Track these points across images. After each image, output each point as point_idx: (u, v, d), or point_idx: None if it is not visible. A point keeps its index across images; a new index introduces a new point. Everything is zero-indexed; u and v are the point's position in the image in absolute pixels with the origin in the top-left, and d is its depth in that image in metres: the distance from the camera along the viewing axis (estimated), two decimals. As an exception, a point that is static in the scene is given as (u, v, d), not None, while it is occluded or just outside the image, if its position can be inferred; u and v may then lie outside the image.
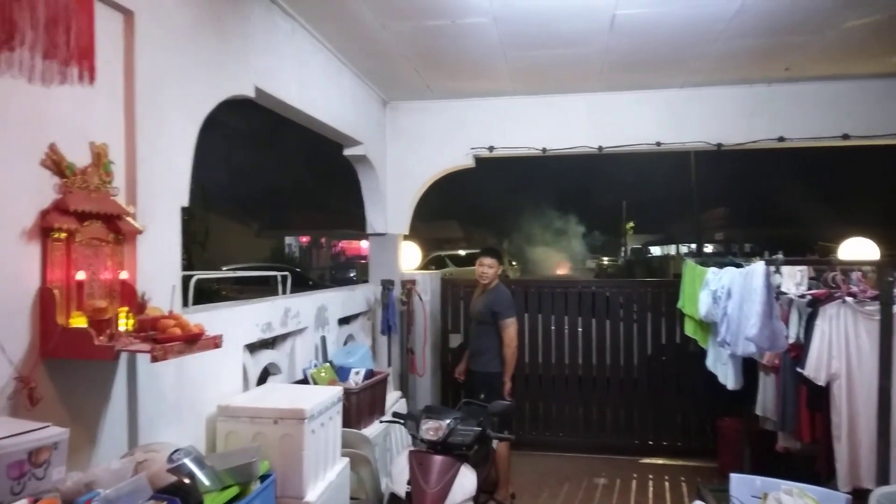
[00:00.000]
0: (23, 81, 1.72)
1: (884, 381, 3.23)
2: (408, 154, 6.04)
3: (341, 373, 4.21)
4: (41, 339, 2.00)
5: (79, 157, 2.16)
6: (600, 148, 5.70)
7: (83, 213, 2.11)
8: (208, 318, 2.73)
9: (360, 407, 3.93)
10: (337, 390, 3.38)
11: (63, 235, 2.05)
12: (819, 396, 3.69)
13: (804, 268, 4.15)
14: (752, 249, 22.43)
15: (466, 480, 3.23)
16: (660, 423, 5.95)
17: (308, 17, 3.99)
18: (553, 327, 6.16)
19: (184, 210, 2.79)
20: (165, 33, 2.64)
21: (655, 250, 40.70)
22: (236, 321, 3.35)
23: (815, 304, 3.75)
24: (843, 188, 24.86)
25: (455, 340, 6.26)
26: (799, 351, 3.80)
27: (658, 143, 5.61)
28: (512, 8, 3.86)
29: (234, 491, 2.37)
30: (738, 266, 4.24)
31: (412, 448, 3.44)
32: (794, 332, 3.88)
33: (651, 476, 5.40)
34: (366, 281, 6.15)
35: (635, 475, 5.41)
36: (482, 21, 4.05)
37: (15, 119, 1.93)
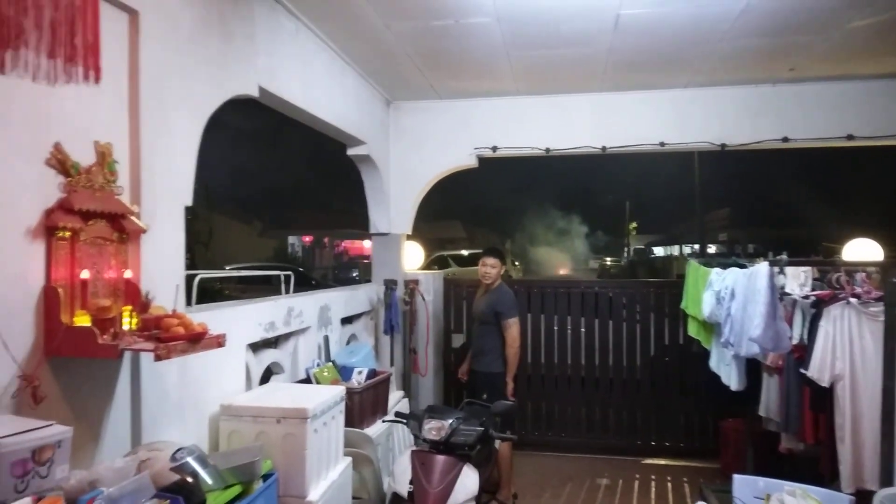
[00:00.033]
0: (27, 80, 1.72)
1: (888, 383, 3.21)
2: (411, 154, 6.04)
3: (344, 372, 4.21)
4: (45, 337, 2.01)
5: (83, 157, 2.17)
6: (604, 148, 5.70)
7: (87, 212, 2.12)
8: (212, 318, 2.73)
9: (363, 406, 3.93)
10: (339, 390, 3.38)
11: (67, 234, 2.06)
12: (823, 397, 3.68)
13: (808, 269, 4.14)
14: (756, 250, 22.43)
15: (469, 480, 3.23)
16: (662, 424, 5.93)
17: (312, 16, 4.00)
18: (556, 327, 6.15)
19: (187, 209, 2.80)
20: (170, 33, 2.65)
21: (658, 251, 40.69)
22: (239, 320, 3.36)
23: (818, 305, 3.74)
24: (847, 189, 24.82)
25: (458, 340, 6.26)
26: (802, 352, 3.79)
27: (662, 144, 5.60)
28: (515, 8, 3.86)
29: (236, 490, 2.37)
30: (742, 267, 4.22)
31: (414, 448, 3.44)
32: (797, 333, 3.87)
33: (653, 477, 5.39)
34: (369, 281, 6.16)
35: (638, 476, 5.41)
36: (486, 21, 4.05)
37: (20, 118, 1.94)
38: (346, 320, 5.05)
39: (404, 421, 3.60)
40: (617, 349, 6.04)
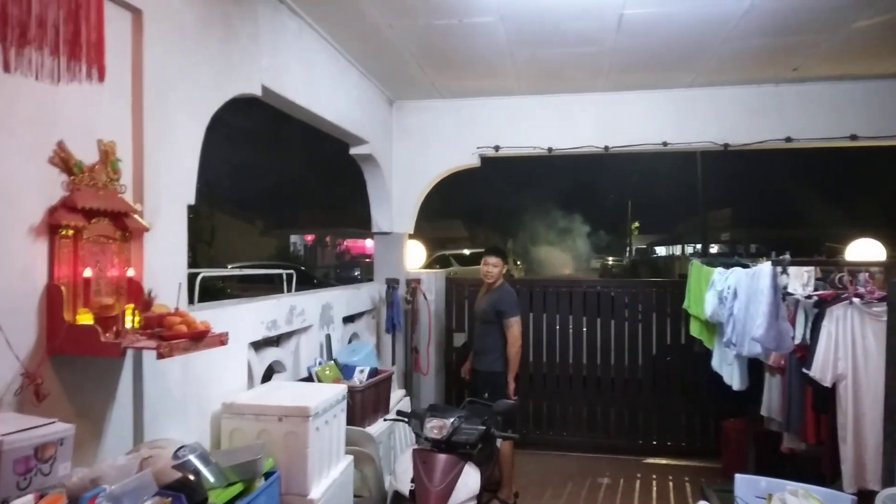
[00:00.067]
0: (32, 79, 1.73)
1: (890, 382, 3.20)
2: (413, 153, 6.04)
3: (346, 371, 4.22)
4: (48, 335, 2.01)
5: (87, 155, 2.17)
6: (606, 148, 5.69)
7: (91, 210, 2.12)
8: (214, 316, 2.74)
9: (365, 405, 3.93)
10: (341, 388, 3.39)
11: (70, 232, 2.07)
12: (825, 397, 3.67)
13: (811, 268, 4.13)
14: (758, 250, 22.40)
15: (470, 479, 3.23)
16: (664, 424, 5.93)
17: (315, 16, 4.00)
18: (558, 327, 6.15)
19: (190, 208, 2.80)
20: (173, 32, 2.65)
21: (661, 250, 40.65)
22: (241, 319, 3.36)
23: (821, 305, 3.73)
24: (850, 189, 24.77)
25: (459, 339, 6.26)
26: (805, 352, 3.78)
27: (664, 143, 5.59)
28: (519, 7, 3.85)
29: (238, 488, 2.38)
30: (745, 266, 4.22)
31: (416, 446, 3.44)
32: (800, 332, 3.87)
33: (655, 476, 5.38)
34: (370, 279, 6.16)
35: (639, 475, 5.40)
36: (489, 20, 4.05)
37: (24, 116, 1.95)
38: (348, 319, 5.05)
39: (406, 420, 3.60)
40: (619, 349, 6.04)
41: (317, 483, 2.95)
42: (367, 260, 24.14)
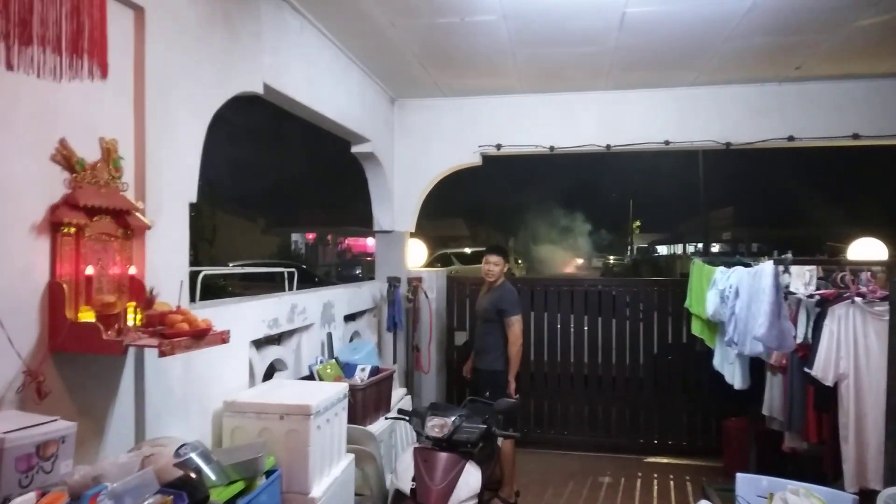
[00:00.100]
0: (34, 76, 1.73)
1: (892, 382, 3.19)
2: (415, 151, 6.04)
3: (347, 369, 4.22)
4: (50, 333, 2.01)
5: (89, 153, 2.17)
6: (608, 146, 5.68)
7: (93, 208, 2.12)
8: (215, 314, 2.74)
9: (366, 403, 3.93)
10: (342, 387, 3.39)
11: (72, 230, 2.07)
12: (826, 397, 3.67)
13: (813, 268, 4.13)
14: (760, 249, 22.37)
15: (471, 477, 3.23)
16: (665, 423, 5.93)
17: (317, 14, 4.00)
18: (559, 326, 6.15)
19: (191, 206, 2.80)
20: (175, 30, 2.65)
21: (662, 249, 40.63)
22: (243, 317, 3.36)
23: (823, 305, 3.73)
24: (852, 188, 24.73)
25: (460, 338, 6.26)
26: (807, 351, 3.78)
27: (666, 142, 5.59)
28: (521, 6, 3.85)
29: (239, 486, 2.38)
30: (747, 266, 4.22)
31: (417, 445, 3.44)
32: (801, 332, 3.87)
33: (656, 475, 5.38)
34: (372, 278, 6.16)
35: (640, 474, 5.40)
36: (491, 19, 4.04)
37: (26, 114, 1.95)
38: (350, 317, 5.05)
39: (407, 418, 3.61)
40: (620, 347, 6.04)
41: (318, 481, 2.95)
42: (369, 258, 24.15)
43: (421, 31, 4.28)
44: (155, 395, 2.54)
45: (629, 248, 38.68)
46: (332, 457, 3.17)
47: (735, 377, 4.42)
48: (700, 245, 26.05)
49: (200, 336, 2.23)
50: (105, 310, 2.13)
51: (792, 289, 4.02)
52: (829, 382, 3.59)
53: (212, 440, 2.97)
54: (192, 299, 3.16)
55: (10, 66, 1.67)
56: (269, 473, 2.61)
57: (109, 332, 2.05)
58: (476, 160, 5.98)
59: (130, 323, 2.18)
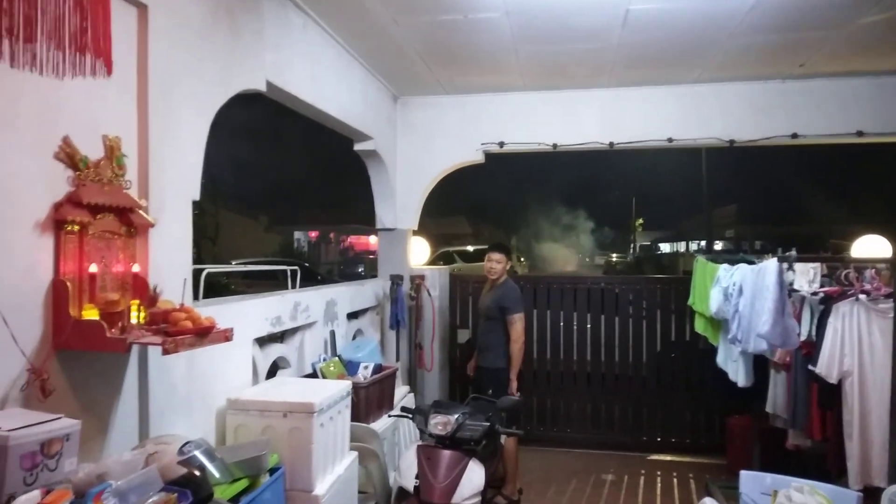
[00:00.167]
0: (37, 74, 1.73)
1: (897, 380, 3.20)
2: (418, 149, 6.04)
3: (350, 367, 4.22)
4: (54, 330, 2.02)
5: (92, 150, 2.17)
6: (611, 144, 5.67)
7: (96, 205, 2.12)
8: (219, 312, 2.73)
9: (369, 401, 3.93)
10: (346, 384, 3.39)
11: (76, 228, 2.07)
12: (830, 394, 3.67)
13: (817, 265, 4.12)
14: (763, 247, 22.34)
15: (474, 475, 3.23)
16: (668, 420, 5.92)
17: (320, 11, 3.99)
18: (562, 323, 6.15)
19: (194, 204, 2.80)
20: (178, 27, 2.65)
21: (665, 247, 40.58)
22: (246, 315, 3.36)
23: (827, 302, 3.72)
24: (856, 185, 24.67)
25: (463, 336, 6.27)
26: (811, 348, 3.77)
27: (670, 140, 5.57)
28: (524, 2, 3.84)
29: (243, 483, 2.38)
30: (751, 263, 4.21)
31: (420, 442, 3.44)
32: (805, 329, 3.86)
33: (659, 472, 5.38)
34: (374, 276, 6.16)
35: (643, 471, 5.40)
36: (494, 16, 4.03)
37: (29, 112, 1.94)
38: (352, 315, 5.05)
39: (410, 416, 3.61)
40: (623, 345, 6.03)
41: (321, 479, 2.95)
42: (371, 256, 24.16)
43: (424, 28, 4.27)
44: (158, 393, 2.55)
45: (632, 245, 38.65)
46: (336, 454, 3.18)
47: (738, 375, 4.41)
48: (703, 242, 26.01)
49: (204, 334, 2.23)
50: (109, 307, 2.13)
51: (796, 286, 4.01)
52: (833, 380, 3.58)
53: (215, 438, 2.98)
54: (196, 297, 3.16)
55: (13, 63, 1.67)
56: (272, 471, 2.62)
57: (113, 330, 2.05)
58: (479, 158, 5.97)
59: (134, 321, 2.18)
